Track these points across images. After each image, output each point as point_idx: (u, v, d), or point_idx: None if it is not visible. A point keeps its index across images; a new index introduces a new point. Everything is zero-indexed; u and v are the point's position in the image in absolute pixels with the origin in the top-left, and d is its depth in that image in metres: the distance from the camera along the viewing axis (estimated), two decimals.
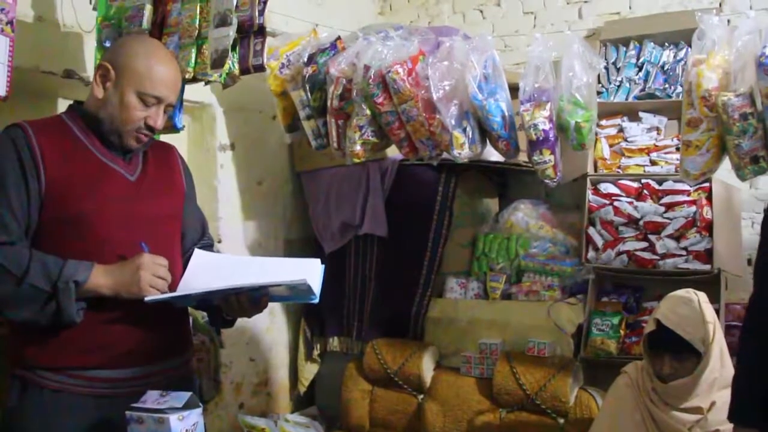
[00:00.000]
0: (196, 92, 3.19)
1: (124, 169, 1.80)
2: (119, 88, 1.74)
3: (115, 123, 1.75)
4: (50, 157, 1.69)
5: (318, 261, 1.81)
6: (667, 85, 3.38)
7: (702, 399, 2.09)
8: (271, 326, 3.78)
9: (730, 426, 2.03)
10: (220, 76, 2.43)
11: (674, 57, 3.40)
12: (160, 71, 1.76)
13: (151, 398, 1.48)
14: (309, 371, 3.88)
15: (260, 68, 2.47)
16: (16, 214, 1.65)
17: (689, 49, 3.10)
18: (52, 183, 1.68)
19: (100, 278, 1.66)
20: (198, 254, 1.90)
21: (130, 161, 1.82)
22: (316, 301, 1.73)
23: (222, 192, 3.53)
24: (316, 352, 3.85)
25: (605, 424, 2.25)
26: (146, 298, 1.66)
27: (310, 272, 1.73)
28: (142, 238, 1.73)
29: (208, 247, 2.03)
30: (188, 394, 1.46)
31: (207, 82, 2.53)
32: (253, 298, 1.74)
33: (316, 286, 1.72)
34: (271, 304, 3.71)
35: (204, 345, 3.31)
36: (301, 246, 3.88)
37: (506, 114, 2.37)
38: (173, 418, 1.40)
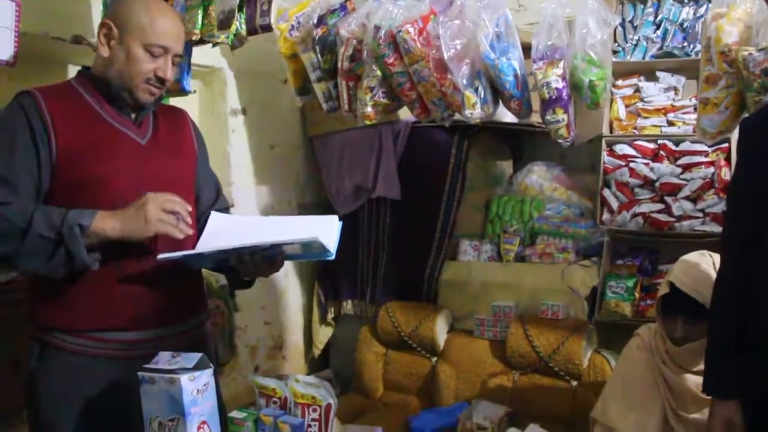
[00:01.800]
0: (206, 56, 3.17)
1: (135, 133, 1.80)
2: (124, 44, 1.73)
3: (124, 78, 1.74)
4: (60, 123, 1.69)
5: (336, 217, 1.80)
6: (685, 44, 3.30)
7: None
8: (285, 290, 3.80)
9: None
10: (228, 37, 2.41)
11: (694, 14, 3.31)
12: (162, 21, 1.76)
13: (163, 359, 1.48)
14: (323, 334, 3.91)
15: (267, 28, 2.44)
16: (25, 178, 1.66)
17: (709, 5, 3.02)
18: (63, 149, 1.68)
19: (106, 221, 1.63)
20: (214, 216, 1.90)
21: (141, 125, 1.82)
22: (332, 257, 1.72)
23: (234, 157, 3.52)
24: (330, 316, 3.88)
25: (618, 386, 2.24)
26: (159, 256, 1.66)
27: (327, 229, 1.73)
28: None
29: (225, 210, 2.02)
30: (199, 354, 1.46)
31: (215, 44, 2.50)
32: (267, 257, 1.73)
33: (333, 243, 1.70)
34: (286, 267, 3.76)
35: (218, 309, 3.33)
36: (314, 210, 3.87)
37: (519, 73, 2.33)
38: (184, 379, 1.40)
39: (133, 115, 1.81)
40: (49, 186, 1.69)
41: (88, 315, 1.71)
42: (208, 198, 2.00)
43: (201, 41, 2.42)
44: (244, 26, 2.43)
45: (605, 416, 2.18)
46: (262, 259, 1.74)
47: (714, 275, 2.05)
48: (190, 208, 1.71)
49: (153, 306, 1.77)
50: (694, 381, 2.08)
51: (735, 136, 2.75)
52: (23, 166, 1.66)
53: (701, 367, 2.07)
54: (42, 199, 1.69)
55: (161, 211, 1.65)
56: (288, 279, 3.81)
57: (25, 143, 1.66)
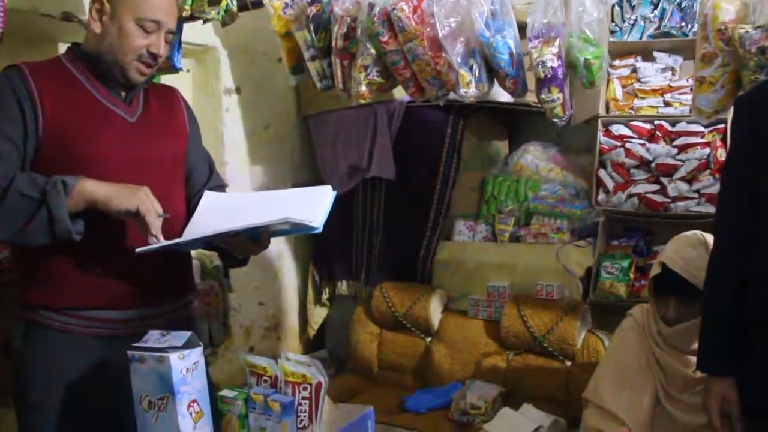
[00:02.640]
0: (198, 34, 3.13)
1: (124, 111, 1.77)
2: (116, 19, 1.70)
3: (117, 54, 1.71)
4: (48, 99, 1.66)
5: (329, 188, 1.76)
6: (683, 23, 3.27)
7: None
8: (279, 270, 3.80)
9: None
10: (218, 13, 2.38)
11: None
12: None
13: (152, 338, 1.47)
14: (318, 315, 3.91)
15: (258, 4, 2.42)
16: (10, 147, 1.62)
17: None
18: (49, 125, 1.66)
19: (93, 185, 1.59)
20: (207, 196, 1.88)
21: (131, 103, 1.79)
22: (319, 231, 1.68)
23: (228, 136, 3.49)
24: (324, 296, 3.88)
25: (610, 366, 2.24)
26: (137, 250, 1.63)
27: (318, 201, 1.70)
28: (142, 181, 1.68)
29: (220, 188, 2.00)
30: (188, 333, 1.45)
31: (205, 20, 2.47)
32: (252, 237, 1.72)
33: (321, 216, 1.67)
34: (280, 248, 3.73)
35: (213, 289, 3.32)
36: None
37: (514, 51, 2.31)
38: (174, 357, 1.39)
39: (123, 94, 1.78)
40: (33, 162, 1.66)
41: (74, 293, 1.70)
42: (201, 175, 1.97)
43: (191, 17, 2.40)
44: (234, 2, 2.40)
45: (598, 396, 2.18)
46: (247, 239, 1.72)
47: (707, 256, 2.04)
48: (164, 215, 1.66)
49: (140, 285, 1.75)
50: (686, 362, 2.08)
51: (731, 115, 2.76)
52: (8, 137, 1.63)
53: (694, 347, 2.07)
54: (27, 168, 1.66)
55: (150, 205, 1.61)
56: (282, 259, 3.80)
57: (9, 115, 1.63)
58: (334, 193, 1.75)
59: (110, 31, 1.70)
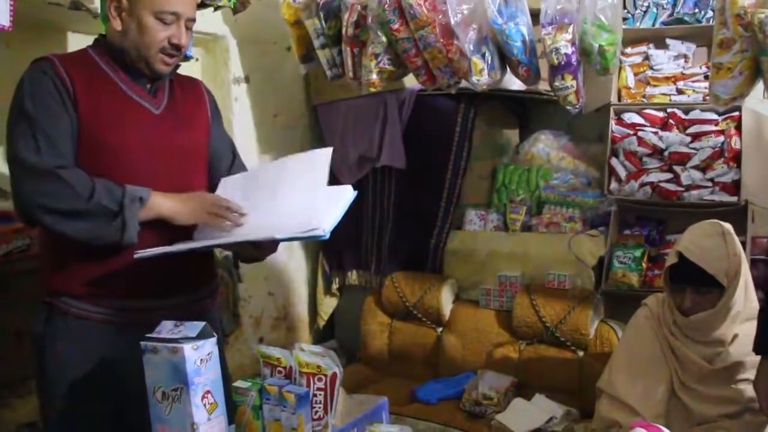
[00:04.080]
0: (208, 23, 3.12)
1: (149, 102, 1.80)
2: (135, 14, 1.72)
3: (140, 49, 1.74)
4: (80, 90, 1.70)
5: (349, 188, 1.74)
6: (697, 10, 3.22)
7: (724, 332, 2.04)
8: (289, 261, 3.79)
9: (753, 358, 2.01)
10: (230, 0, 2.36)
11: None
12: None
13: (166, 328, 1.46)
14: (328, 305, 3.90)
15: None
16: (66, 141, 1.68)
17: None
18: (83, 115, 1.70)
19: (161, 200, 1.71)
20: (223, 183, 1.89)
21: (156, 95, 1.82)
22: (326, 237, 1.65)
23: (237, 125, 3.48)
24: (334, 286, 3.87)
25: (624, 356, 2.23)
26: (135, 255, 1.67)
27: (335, 203, 1.69)
28: (165, 172, 1.77)
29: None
30: (202, 323, 1.44)
31: (216, 8, 2.46)
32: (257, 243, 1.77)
33: (332, 220, 1.65)
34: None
35: (222, 279, 3.32)
36: None
37: (527, 38, 2.29)
38: (187, 348, 1.38)
39: (148, 85, 1.81)
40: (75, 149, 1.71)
41: (93, 280, 1.73)
42: (225, 160, 2.02)
43: (202, 5, 2.38)
44: None
45: (612, 386, 2.17)
46: (253, 245, 1.79)
47: (724, 245, 2.01)
48: (245, 213, 1.77)
49: (160, 275, 1.77)
50: (701, 352, 2.06)
51: (746, 103, 2.73)
52: (62, 130, 1.68)
53: (709, 338, 2.05)
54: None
55: (211, 207, 1.74)
56: (292, 249, 3.79)
57: (57, 107, 1.68)
58: (354, 193, 1.74)
59: (131, 27, 1.73)
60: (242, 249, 1.82)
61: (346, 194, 1.72)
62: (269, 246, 1.80)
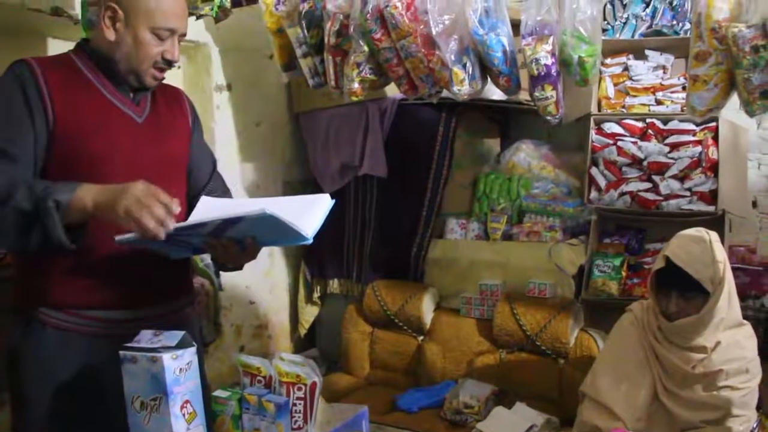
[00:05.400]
0: (190, 31, 3.03)
1: (133, 111, 1.77)
2: (131, 28, 1.69)
3: (133, 63, 1.71)
4: (58, 94, 1.66)
5: (327, 197, 1.72)
6: (675, 22, 3.28)
7: (707, 338, 2.07)
8: (270, 269, 3.78)
9: (734, 365, 2.06)
10: (212, 9, 2.36)
11: None
12: (168, 2, 1.70)
13: (145, 338, 1.46)
14: (309, 313, 3.90)
15: (252, 1, 2.39)
16: (22, 147, 1.61)
17: None
18: (60, 120, 1.65)
19: (88, 196, 1.55)
20: (203, 201, 1.85)
21: (139, 103, 1.79)
22: (309, 242, 1.64)
23: (219, 134, 3.47)
24: (316, 295, 3.86)
25: (608, 360, 2.25)
26: (116, 238, 1.59)
27: (315, 210, 1.67)
28: (144, 181, 1.61)
29: (221, 185, 2.01)
30: (182, 333, 1.43)
31: (198, 16, 2.45)
32: (238, 242, 1.67)
33: (314, 225, 1.66)
34: (270, 247, 3.70)
35: (203, 288, 3.30)
36: (300, 188, 3.84)
37: (507, 49, 2.30)
38: (166, 357, 1.38)
39: (131, 94, 1.78)
40: (46, 159, 1.66)
41: (73, 291, 1.69)
42: (203, 173, 1.98)
43: None
44: None
45: (595, 389, 2.18)
46: (235, 245, 1.66)
47: (710, 252, 2.05)
48: (177, 210, 1.56)
49: (138, 285, 1.75)
50: (684, 357, 2.09)
51: (723, 114, 2.77)
52: (19, 136, 1.62)
53: (693, 343, 2.08)
54: (37, 173, 1.65)
55: (143, 200, 1.52)
56: (273, 258, 3.79)
57: (19, 113, 1.62)
58: (332, 201, 1.71)
59: (125, 39, 1.69)
60: (224, 253, 1.69)
61: (325, 202, 1.71)
62: (251, 251, 1.75)
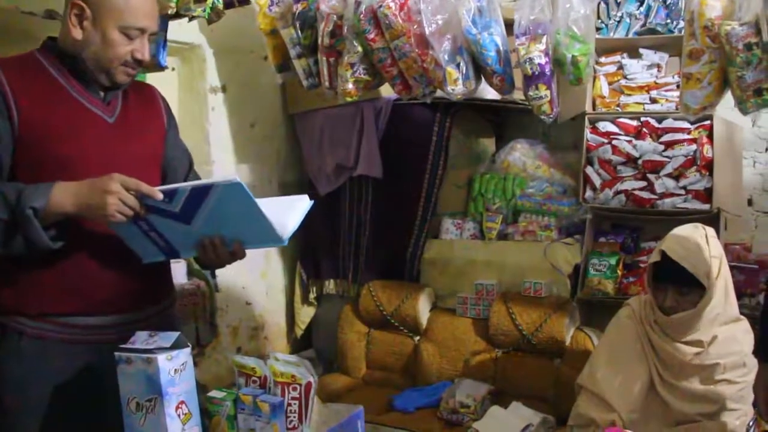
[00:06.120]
0: (184, 33, 3.11)
1: (103, 111, 1.72)
2: (99, 27, 1.64)
3: (102, 62, 1.66)
4: (23, 97, 1.60)
5: (305, 197, 1.71)
6: (669, 20, 3.28)
7: (703, 333, 2.08)
8: (266, 270, 3.77)
9: (731, 359, 2.07)
10: (204, 10, 2.36)
11: None
12: (137, 1, 1.66)
13: (140, 339, 1.46)
14: (305, 314, 3.89)
15: (244, 1, 2.41)
16: None
17: None
18: (25, 123, 1.60)
19: (64, 198, 1.54)
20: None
21: (109, 103, 1.74)
22: (284, 244, 1.63)
23: (214, 135, 3.47)
24: (312, 296, 3.86)
25: (605, 352, 2.25)
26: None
27: (292, 211, 1.66)
28: None
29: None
30: (176, 334, 1.43)
31: (191, 18, 2.45)
32: (225, 243, 1.66)
33: (290, 227, 1.63)
34: (266, 248, 3.69)
35: (199, 289, 3.29)
36: (295, 189, 3.83)
37: (501, 48, 2.31)
38: (161, 358, 1.38)
39: (102, 93, 1.73)
40: (11, 164, 1.61)
41: (48, 298, 1.66)
42: (182, 171, 1.93)
43: (177, 15, 2.37)
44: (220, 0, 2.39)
45: (592, 381, 2.19)
46: (223, 245, 1.66)
47: (707, 247, 2.06)
48: (160, 197, 1.56)
49: (116, 291, 1.71)
50: (682, 350, 2.10)
51: (717, 112, 2.77)
52: None
53: (690, 337, 2.09)
54: (5, 177, 1.62)
55: (121, 203, 1.54)
56: (269, 259, 3.78)
57: None
58: (311, 202, 1.70)
59: (93, 39, 1.64)
60: (210, 252, 1.66)
61: (303, 204, 1.69)
62: (237, 249, 1.72)
